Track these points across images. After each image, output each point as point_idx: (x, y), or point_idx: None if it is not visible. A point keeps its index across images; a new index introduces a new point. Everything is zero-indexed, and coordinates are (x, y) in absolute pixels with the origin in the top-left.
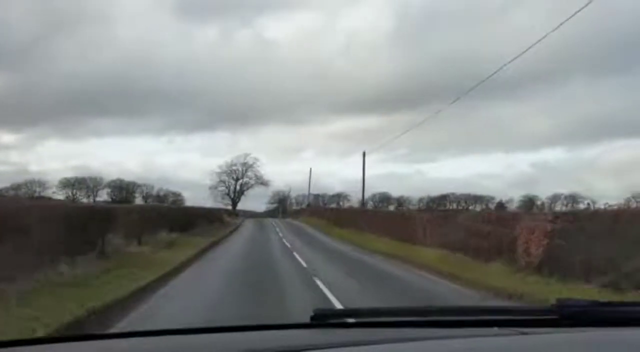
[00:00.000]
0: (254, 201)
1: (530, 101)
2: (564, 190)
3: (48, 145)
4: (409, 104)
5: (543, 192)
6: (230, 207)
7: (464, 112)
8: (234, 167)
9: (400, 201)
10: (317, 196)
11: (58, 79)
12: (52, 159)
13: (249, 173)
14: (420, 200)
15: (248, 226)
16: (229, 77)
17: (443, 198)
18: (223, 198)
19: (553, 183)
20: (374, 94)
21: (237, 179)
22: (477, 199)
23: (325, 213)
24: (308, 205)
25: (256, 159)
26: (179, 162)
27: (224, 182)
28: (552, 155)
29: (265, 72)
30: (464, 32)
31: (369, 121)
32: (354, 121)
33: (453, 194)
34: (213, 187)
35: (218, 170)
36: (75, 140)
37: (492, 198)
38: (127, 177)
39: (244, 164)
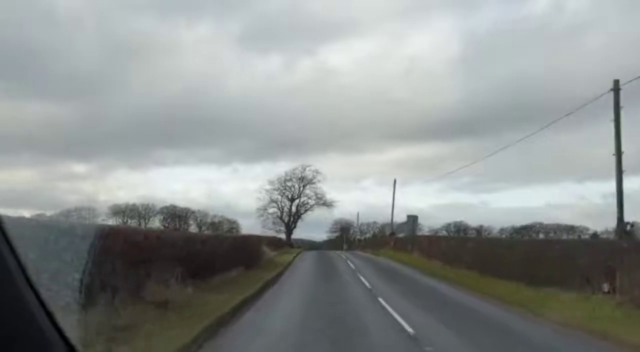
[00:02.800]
0: (313, 229)
1: (601, 128)
2: None
3: (116, 175)
4: (472, 131)
5: None
6: (284, 236)
7: (531, 139)
8: (289, 183)
9: (480, 231)
10: (384, 226)
11: (125, 110)
12: (120, 188)
13: (308, 191)
14: (502, 230)
15: (304, 274)
16: (290, 105)
17: (528, 228)
18: (274, 223)
19: (629, 214)
20: (435, 121)
21: (293, 199)
22: (568, 229)
23: (439, 246)
24: (392, 234)
25: (317, 173)
26: (240, 190)
27: (275, 202)
28: (628, 185)
29: (326, 100)
30: (530, 57)
31: (431, 149)
32: (414, 149)
33: (540, 223)
34: (261, 209)
35: (268, 186)
36: (141, 170)
37: (586, 229)
38: (192, 206)
39: (301, 179)
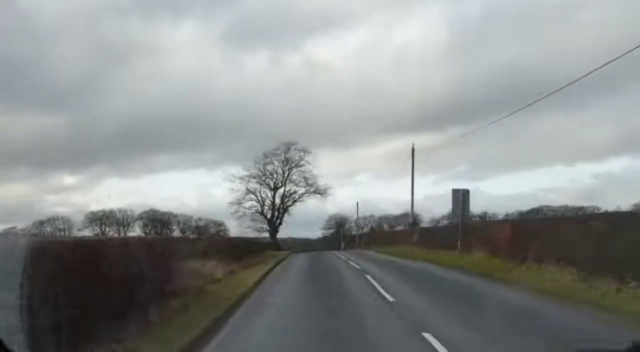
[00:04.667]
0: (305, 225)
1: (593, 109)
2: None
3: (107, 184)
4: (465, 120)
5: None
6: (267, 236)
7: (522, 124)
8: (270, 167)
9: (484, 218)
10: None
11: (112, 117)
12: (111, 197)
13: (295, 176)
14: (507, 215)
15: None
16: (279, 103)
17: (535, 211)
18: (254, 220)
19: (620, 194)
20: (429, 112)
21: (276, 188)
22: (577, 210)
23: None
24: (414, 223)
25: (305, 152)
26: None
27: (254, 193)
28: (618, 165)
29: (316, 95)
30: (523, 40)
31: (424, 139)
32: (408, 140)
33: (548, 206)
34: (235, 203)
35: (245, 173)
36: (132, 178)
37: (597, 208)
38: (186, 211)
39: (285, 161)
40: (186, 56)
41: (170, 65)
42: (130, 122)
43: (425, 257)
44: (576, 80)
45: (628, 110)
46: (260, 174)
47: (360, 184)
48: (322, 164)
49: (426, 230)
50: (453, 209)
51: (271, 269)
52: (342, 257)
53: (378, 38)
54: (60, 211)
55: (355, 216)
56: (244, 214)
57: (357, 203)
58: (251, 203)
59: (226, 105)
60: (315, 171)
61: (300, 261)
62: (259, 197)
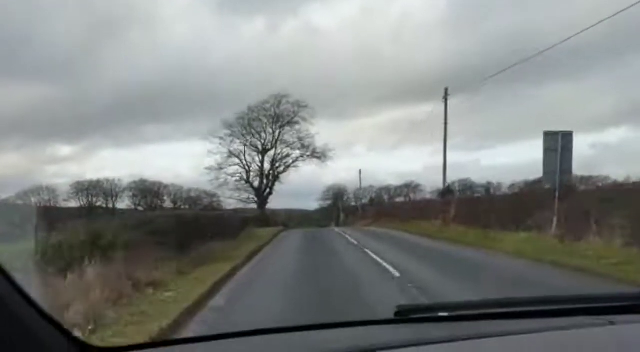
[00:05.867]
0: (300, 196)
1: (591, 78)
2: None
3: (103, 155)
4: (467, 89)
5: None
6: (255, 206)
7: (521, 94)
8: (256, 124)
9: (489, 188)
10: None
11: (107, 87)
12: (108, 168)
13: (287, 137)
14: (513, 185)
15: None
16: (276, 72)
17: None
18: (238, 190)
19: (617, 164)
20: (429, 80)
21: (265, 150)
22: (586, 179)
23: None
24: (447, 191)
25: (300, 106)
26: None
27: (237, 157)
28: (616, 135)
29: (314, 64)
30: (526, 8)
31: (423, 110)
32: (406, 111)
33: None
34: (214, 169)
35: (226, 131)
36: (129, 149)
37: (606, 178)
38: (180, 182)
39: (275, 118)
40: (181, 23)
41: (165, 33)
42: (125, 92)
43: (496, 246)
44: (551, 47)
45: (628, 81)
46: (245, 132)
47: (357, 155)
48: (319, 135)
49: (474, 200)
50: (545, 164)
51: (234, 272)
52: (353, 241)
53: (378, 4)
54: (58, 181)
55: (354, 187)
56: (226, 182)
57: (360, 171)
58: (235, 168)
59: (222, 73)
60: (313, 130)
61: (290, 254)
62: (244, 161)
